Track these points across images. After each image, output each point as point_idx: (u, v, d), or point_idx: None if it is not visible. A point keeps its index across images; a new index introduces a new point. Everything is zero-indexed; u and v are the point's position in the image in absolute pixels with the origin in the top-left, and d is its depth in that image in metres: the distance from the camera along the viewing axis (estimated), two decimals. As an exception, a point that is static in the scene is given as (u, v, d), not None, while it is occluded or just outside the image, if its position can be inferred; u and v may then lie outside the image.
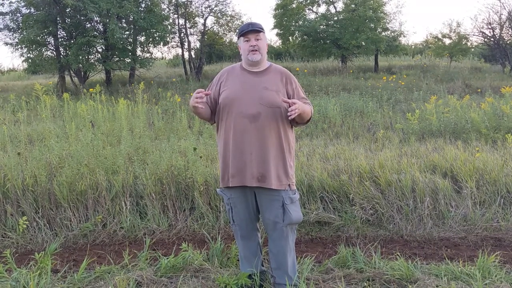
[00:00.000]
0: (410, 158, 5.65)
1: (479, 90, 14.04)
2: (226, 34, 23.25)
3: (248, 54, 2.96)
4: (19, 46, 16.97)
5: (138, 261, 3.62)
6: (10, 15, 17.26)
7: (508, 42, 21.69)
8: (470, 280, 3.17)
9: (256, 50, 2.95)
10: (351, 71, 20.39)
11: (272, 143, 2.91)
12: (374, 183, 4.85)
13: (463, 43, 22.22)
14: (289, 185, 2.97)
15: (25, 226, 4.24)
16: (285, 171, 2.96)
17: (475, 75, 19.04)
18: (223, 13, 21.58)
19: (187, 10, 21.04)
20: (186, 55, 21.65)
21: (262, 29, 2.99)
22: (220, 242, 3.79)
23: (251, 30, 2.95)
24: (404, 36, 26.22)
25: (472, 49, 24.79)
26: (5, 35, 17.53)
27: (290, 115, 2.78)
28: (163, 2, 19.87)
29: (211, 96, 3.09)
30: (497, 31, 21.88)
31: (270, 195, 2.95)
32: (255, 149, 2.88)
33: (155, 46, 19.53)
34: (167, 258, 3.52)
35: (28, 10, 17.16)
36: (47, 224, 4.45)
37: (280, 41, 26.14)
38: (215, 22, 22.22)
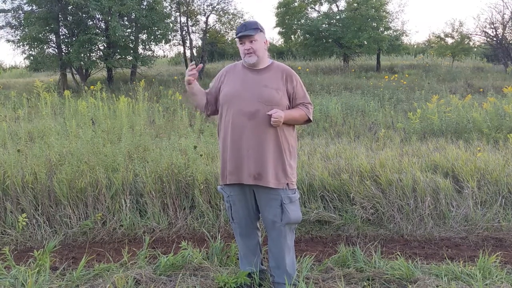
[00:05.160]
0: (411, 157, 5.63)
1: (481, 89, 14.01)
2: (228, 33, 23.25)
3: (244, 56, 2.95)
4: (21, 43, 16.98)
5: (137, 259, 3.61)
6: (12, 12, 17.27)
7: (510, 42, 21.63)
8: (470, 280, 3.15)
9: (251, 53, 2.92)
10: (353, 70, 20.36)
11: (270, 141, 2.89)
12: (375, 182, 4.83)
13: (466, 42, 22.17)
14: (287, 184, 2.95)
15: (24, 223, 4.23)
16: (283, 170, 2.93)
17: (477, 74, 19.00)
18: (225, 11, 21.57)
19: (189, 8, 21.03)
20: (188, 53, 21.66)
21: (257, 29, 2.94)
22: (220, 241, 3.78)
23: (244, 35, 2.92)
24: (406, 36, 26.21)
25: (475, 49, 24.76)
26: (7, 32, 17.56)
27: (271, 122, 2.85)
28: (165, 0, 19.87)
29: (211, 91, 3.11)
30: (500, 30, 21.83)
31: (268, 194, 2.93)
32: (252, 147, 2.87)
33: (156, 44, 19.51)
34: (167, 257, 3.51)
35: (30, 8, 17.18)
36: (47, 222, 4.44)
37: (282, 39, 26.16)
38: (217, 20, 22.22)
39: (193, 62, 2.96)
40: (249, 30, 2.91)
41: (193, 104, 3.15)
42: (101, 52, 17.98)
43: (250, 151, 2.87)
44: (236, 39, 2.98)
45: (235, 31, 19.47)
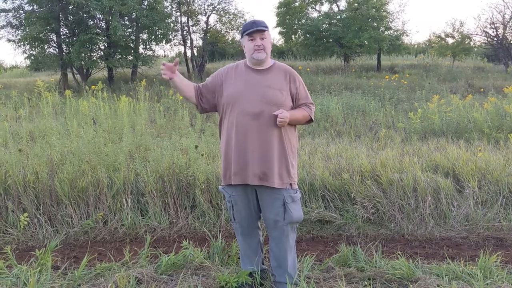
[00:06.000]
0: (412, 157, 5.64)
1: (482, 89, 14.01)
2: (229, 32, 23.29)
3: (253, 53, 2.93)
4: (22, 43, 16.99)
5: (138, 259, 3.62)
6: (13, 12, 17.28)
7: (511, 42, 21.62)
8: (471, 280, 3.16)
9: (262, 49, 2.92)
10: (354, 70, 20.36)
11: (274, 142, 2.90)
12: (375, 182, 4.83)
13: (466, 42, 22.16)
14: (290, 184, 2.96)
15: (26, 222, 4.24)
16: (287, 170, 2.95)
17: (478, 74, 19.00)
18: (226, 11, 21.58)
19: (189, 8, 21.03)
20: (189, 53, 21.66)
21: (267, 27, 2.96)
22: (221, 240, 3.78)
23: (256, 30, 2.93)
24: (407, 35, 26.17)
25: (475, 49, 24.75)
26: (8, 32, 17.56)
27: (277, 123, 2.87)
28: (165, 0, 19.88)
29: (210, 85, 3.07)
30: (500, 30, 21.83)
31: (271, 193, 2.94)
32: (257, 148, 2.88)
33: (157, 44, 19.51)
34: (168, 256, 3.52)
35: (31, 7, 17.18)
36: (48, 221, 4.45)
37: (283, 39, 26.14)
38: (217, 20, 22.23)
39: (163, 62, 2.96)
40: (260, 26, 2.92)
41: (183, 96, 3.13)
42: (101, 52, 17.99)
43: (255, 151, 2.88)
44: (245, 36, 2.95)
45: (236, 31, 19.40)
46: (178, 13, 20.98)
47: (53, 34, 17.43)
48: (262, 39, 2.93)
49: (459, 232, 4.31)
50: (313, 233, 4.41)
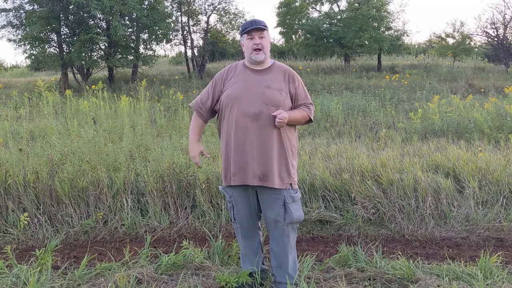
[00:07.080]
0: (412, 157, 5.63)
1: (482, 90, 14.01)
2: (229, 32, 23.31)
3: (252, 53, 2.93)
4: (22, 42, 17.01)
5: (138, 258, 3.62)
6: (13, 11, 17.31)
7: (511, 42, 21.62)
8: (471, 280, 3.16)
9: (260, 49, 2.92)
10: (354, 70, 20.38)
11: (274, 142, 2.89)
12: (376, 182, 4.83)
13: (467, 42, 22.14)
14: (290, 184, 2.96)
15: (26, 222, 4.24)
16: (287, 170, 2.94)
17: (478, 75, 19.00)
18: (226, 11, 21.60)
19: (190, 7, 21.04)
20: (189, 52, 21.67)
21: (266, 26, 2.96)
22: (221, 240, 3.78)
23: (255, 28, 2.92)
24: (407, 36, 26.22)
25: (476, 49, 24.74)
26: (8, 31, 17.61)
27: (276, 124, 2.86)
28: (166, 0, 19.88)
29: (214, 95, 3.06)
30: (501, 31, 21.83)
31: (272, 194, 2.93)
32: (257, 148, 2.87)
33: (158, 44, 19.54)
34: (168, 256, 3.52)
35: (31, 7, 17.20)
36: (48, 221, 4.45)
37: (283, 39, 26.17)
38: (218, 20, 22.25)
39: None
40: (259, 25, 2.92)
41: None
42: (102, 52, 18.01)
43: (255, 152, 2.87)
44: (244, 35, 2.96)
45: (236, 31, 19.51)
46: (179, 13, 21.01)
47: (53, 34, 17.46)
48: (261, 38, 2.93)
49: (459, 232, 4.30)
50: (314, 233, 4.40)
